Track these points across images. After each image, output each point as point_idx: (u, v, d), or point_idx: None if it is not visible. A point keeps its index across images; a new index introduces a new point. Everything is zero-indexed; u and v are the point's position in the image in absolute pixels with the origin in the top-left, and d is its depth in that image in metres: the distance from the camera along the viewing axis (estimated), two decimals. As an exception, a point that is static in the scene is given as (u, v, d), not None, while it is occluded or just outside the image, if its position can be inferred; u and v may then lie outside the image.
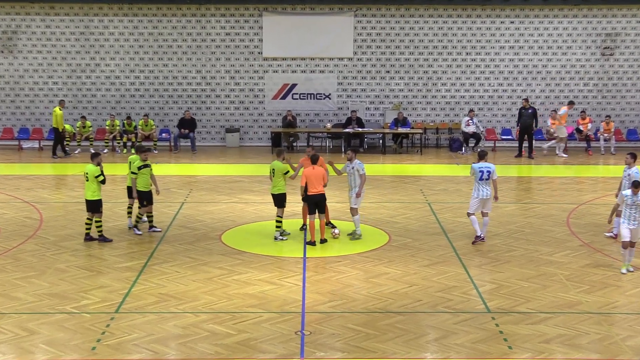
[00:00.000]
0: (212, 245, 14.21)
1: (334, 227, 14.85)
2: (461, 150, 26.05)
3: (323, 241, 14.22)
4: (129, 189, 15.19)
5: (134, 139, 25.80)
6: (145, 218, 15.12)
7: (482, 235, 14.27)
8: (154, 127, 26.24)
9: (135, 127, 26.07)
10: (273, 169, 14.37)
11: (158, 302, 11.07)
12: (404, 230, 15.35)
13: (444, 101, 27.48)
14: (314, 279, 12.21)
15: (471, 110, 26.18)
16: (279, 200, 14.45)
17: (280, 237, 14.48)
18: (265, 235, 14.83)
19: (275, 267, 12.84)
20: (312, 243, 14.05)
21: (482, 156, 14.24)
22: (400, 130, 25.97)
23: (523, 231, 15.33)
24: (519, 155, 24.89)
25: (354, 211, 14.48)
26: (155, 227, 14.99)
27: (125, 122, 26.02)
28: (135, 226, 14.89)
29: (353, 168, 14.48)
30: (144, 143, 25.92)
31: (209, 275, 12.35)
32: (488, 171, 14.05)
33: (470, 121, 25.90)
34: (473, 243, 14.20)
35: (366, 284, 11.97)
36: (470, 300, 11.23)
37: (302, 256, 13.48)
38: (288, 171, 14.34)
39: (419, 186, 20.04)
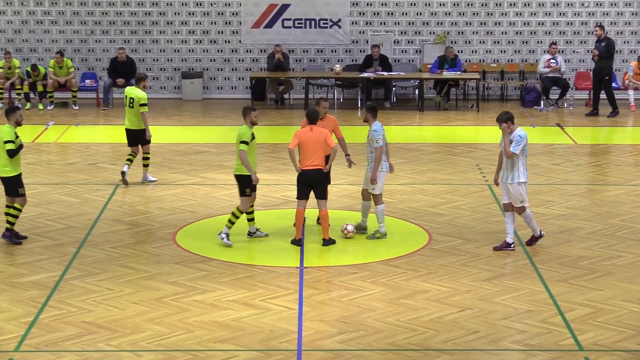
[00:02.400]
0: (162, 248, 14.24)
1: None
2: (539, 104, 26.01)
3: (328, 242, 14.28)
4: (129, 133, 17.50)
5: (41, 88, 25.77)
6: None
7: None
8: (72, 69, 26.17)
9: (46, 72, 25.99)
10: None
11: (80, 335, 11.07)
12: (452, 225, 15.39)
13: (512, 31, 27.39)
14: (317, 299, 12.24)
15: (553, 44, 26.11)
16: None
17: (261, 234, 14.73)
18: (241, 233, 14.79)
19: (258, 281, 12.86)
20: (298, 242, 14.23)
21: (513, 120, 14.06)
22: (447, 74, 25.92)
23: (633, 228, 15.33)
24: (593, 112, 24.77)
25: (376, 199, 14.47)
26: None
27: (29, 70, 25.89)
28: None
29: (369, 135, 14.48)
30: (56, 94, 25.97)
31: (158, 294, 12.37)
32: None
33: (552, 61, 25.86)
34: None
35: (394, 307, 12.00)
36: (553, 332, 11.26)
37: (299, 266, 13.51)
38: None
39: (475, 159, 20.08)
